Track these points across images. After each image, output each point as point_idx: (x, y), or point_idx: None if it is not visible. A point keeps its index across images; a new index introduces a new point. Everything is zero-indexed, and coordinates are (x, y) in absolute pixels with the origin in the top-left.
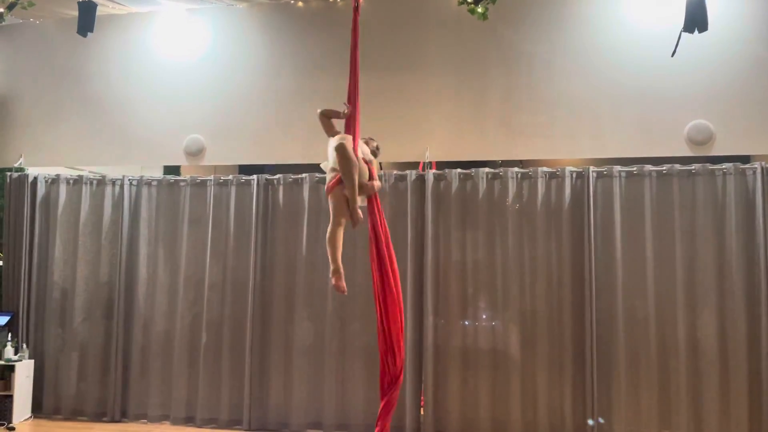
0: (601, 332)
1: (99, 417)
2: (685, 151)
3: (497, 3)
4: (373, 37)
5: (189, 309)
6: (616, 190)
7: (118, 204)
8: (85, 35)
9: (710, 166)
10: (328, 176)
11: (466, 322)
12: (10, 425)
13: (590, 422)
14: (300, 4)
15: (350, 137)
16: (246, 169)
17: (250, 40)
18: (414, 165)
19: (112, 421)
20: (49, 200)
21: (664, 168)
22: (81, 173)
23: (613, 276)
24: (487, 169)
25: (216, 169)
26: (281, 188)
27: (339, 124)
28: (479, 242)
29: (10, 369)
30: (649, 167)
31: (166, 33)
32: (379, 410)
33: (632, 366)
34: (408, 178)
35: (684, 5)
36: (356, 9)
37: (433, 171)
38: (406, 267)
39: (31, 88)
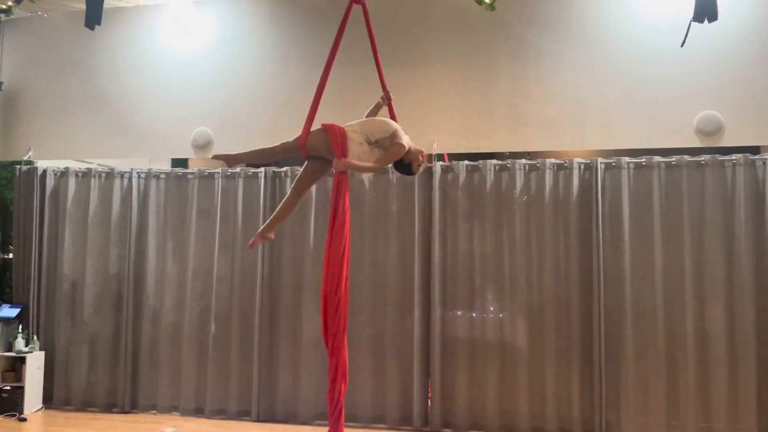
0: (609, 324)
1: (109, 408)
2: (695, 142)
3: None
4: (380, 28)
5: (198, 301)
6: (625, 181)
7: (126, 197)
8: (92, 28)
9: (720, 157)
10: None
11: (474, 314)
12: (22, 416)
13: None
14: None
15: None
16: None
17: (258, 32)
18: None
19: (122, 412)
20: (58, 193)
21: (673, 159)
22: (90, 166)
23: (621, 268)
24: (494, 161)
25: None
26: (288, 181)
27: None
28: (486, 234)
29: (21, 360)
30: (657, 158)
31: (174, 25)
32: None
33: (640, 358)
34: None
35: None
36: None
37: (446, 163)
38: (414, 259)
39: (40, 81)
